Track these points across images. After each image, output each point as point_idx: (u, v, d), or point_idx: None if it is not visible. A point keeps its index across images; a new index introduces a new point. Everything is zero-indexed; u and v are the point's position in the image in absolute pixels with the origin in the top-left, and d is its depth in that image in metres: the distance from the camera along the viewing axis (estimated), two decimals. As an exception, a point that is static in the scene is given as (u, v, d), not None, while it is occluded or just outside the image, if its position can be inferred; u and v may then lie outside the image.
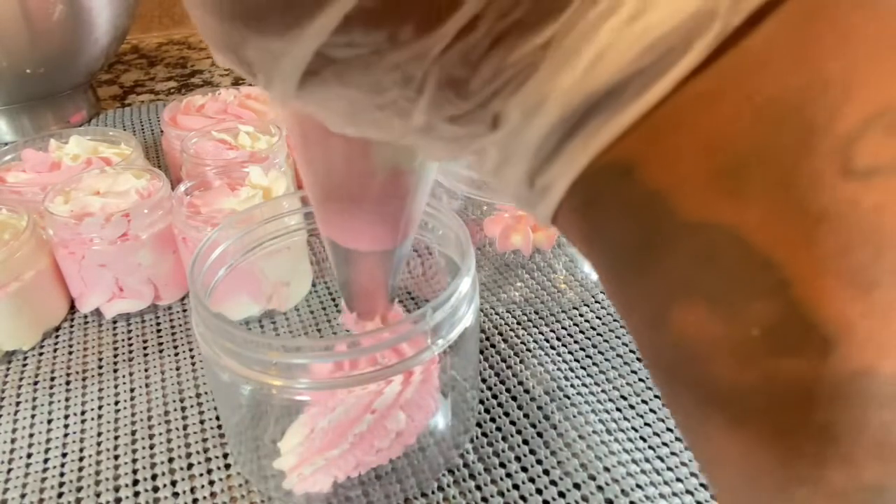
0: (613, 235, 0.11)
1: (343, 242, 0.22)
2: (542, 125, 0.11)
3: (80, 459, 0.32)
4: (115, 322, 0.40)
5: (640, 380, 0.35)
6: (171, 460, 0.31)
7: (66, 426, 0.33)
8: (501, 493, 0.29)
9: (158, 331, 0.40)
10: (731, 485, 0.11)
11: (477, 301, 0.28)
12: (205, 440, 0.32)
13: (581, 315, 0.40)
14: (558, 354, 0.37)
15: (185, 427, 0.33)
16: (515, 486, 0.29)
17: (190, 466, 0.31)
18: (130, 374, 0.36)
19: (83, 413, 0.34)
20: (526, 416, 0.33)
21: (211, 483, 0.30)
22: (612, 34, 0.10)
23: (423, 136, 0.12)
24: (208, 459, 0.31)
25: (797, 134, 0.09)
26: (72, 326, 0.40)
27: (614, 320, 0.39)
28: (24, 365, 0.38)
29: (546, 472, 0.30)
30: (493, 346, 0.37)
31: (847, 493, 0.09)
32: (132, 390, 0.35)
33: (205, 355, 0.26)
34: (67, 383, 0.36)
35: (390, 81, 0.11)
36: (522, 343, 0.38)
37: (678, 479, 0.29)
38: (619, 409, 0.33)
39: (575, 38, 0.10)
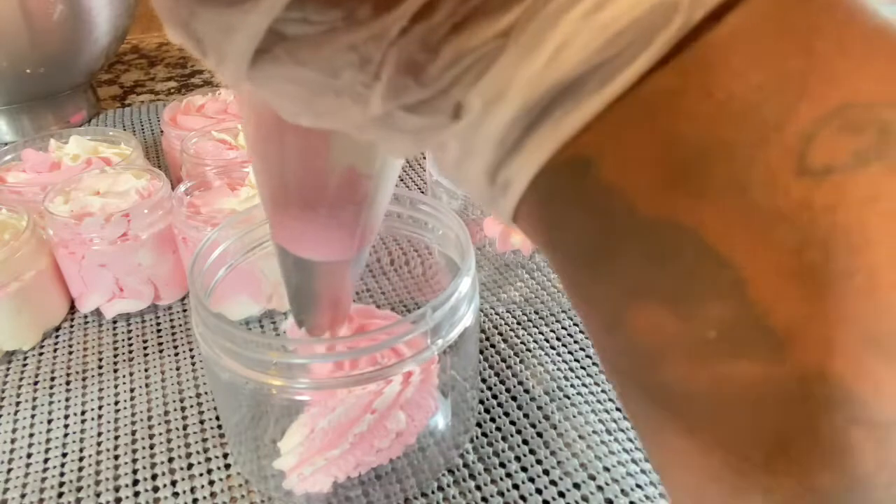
0: (571, 233, 0.11)
1: (295, 250, 0.21)
2: (504, 116, 0.10)
3: (80, 459, 0.32)
4: (115, 322, 0.40)
5: (640, 380, 0.35)
6: (171, 460, 0.31)
7: (66, 426, 0.33)
8: (501, 493, 0.29)
9: (158, 331, 0.40)
10: (685, 491, 0.11)
11: (477, 301, 0.28)
12: (205, 440, 0.32)
13: (581, 315, 0.40)
14: (558, 354, 0.37)
15: (185, 427, 0.33)
16: (515, 486, 0.29)
17: (190, 466, 0.31)
18: (130, 374, 0.36)
19: (83, 413, 0.34)
20: (526, 415, 0.33)
21: (211, 483, 0.30)
22: (574, 24, 0.09)
23: (382, 127, 0.12)
24: (208, 459, 0.31)
25: (755, 132, 0.09)
26: (72, 326, 0.40)
27: (614, 320, 0.39)
28: (25, 365, 0.38)
29: (546, 472, 0.30)
30: (493, 346, 0.37)
31: (799, 500, 0.09)
32: (132, 390, 0.35)
33: (205, 355, 0.26)
34: (67, 383, 0.36)
35: (346, 63, 0.11)
36: (522, 343, 0.38)
37: (678, 479, 0.29)
38: (618, 409, 0.33)
39: (537, 26, 0.10)
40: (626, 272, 0.10)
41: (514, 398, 0.34)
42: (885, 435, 0.09)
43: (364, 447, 0.27)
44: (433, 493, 0.29)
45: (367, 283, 0.42)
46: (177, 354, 0.38)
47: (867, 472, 0.09)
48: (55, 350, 0.38)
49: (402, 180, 0.54)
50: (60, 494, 0.30)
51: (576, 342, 0.37)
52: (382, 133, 0.12)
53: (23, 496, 0.30)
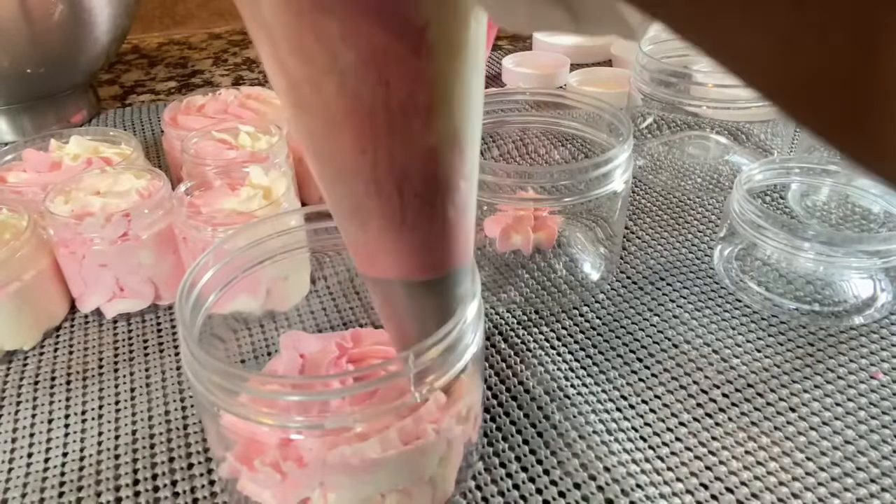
0: None
1: (376, 272, 0.18)
2: None
3: (81, 459, 0.32)
4: (115, 322, 0.40)
5: (640, 380, 0.35)
6: (171, 460, 0.31)
7: (66, 426, 0.33)
8: (502, 494, 0.29)
9: (159, 331, 0.40)
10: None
11: (482, 328, 0.26)
12: (205, 440, 0.32)
13: (581, 315, 0.40)
14: (558, 354, 0.37)
15: (185, 427, 0.33)
16: (516, 486, 0.29)
17: (190, 466, 0.31)
18: (131, 373, 0.36)
19: (84, 413, 0.34)
20: (526, 416, 0.33)
21: (211, 483, 0.30)
22: None
23: None
24: (208, 459, 0.31)
25: None
26: (72, 326, 0.40)
27: (614, 320, 0.39)
28: (25, 365, 0.38)
29: (546, 472, 0.30)
30: (493, 346, 0.37)
31: None
32: (132, 390, 0.35)
33: (194, 390, 0.25)
34: (68, 383, 0.36)
35: None
36: (523, 343, 0.38)
37: (678, 479, 0.29)
38: (619, 409, 0.33)
39: None
40: None
41: (514, 398, 0.34)
42: None
43: None
44: (433, 493, 0.29)
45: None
46: (177, 354, 0.38)
47: None
48: (56, 350, 0.39)
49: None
50: (61, 494, 0.30)
51: (576, 342, 0.37)
52: None
53: (23, 496, 0.30)
